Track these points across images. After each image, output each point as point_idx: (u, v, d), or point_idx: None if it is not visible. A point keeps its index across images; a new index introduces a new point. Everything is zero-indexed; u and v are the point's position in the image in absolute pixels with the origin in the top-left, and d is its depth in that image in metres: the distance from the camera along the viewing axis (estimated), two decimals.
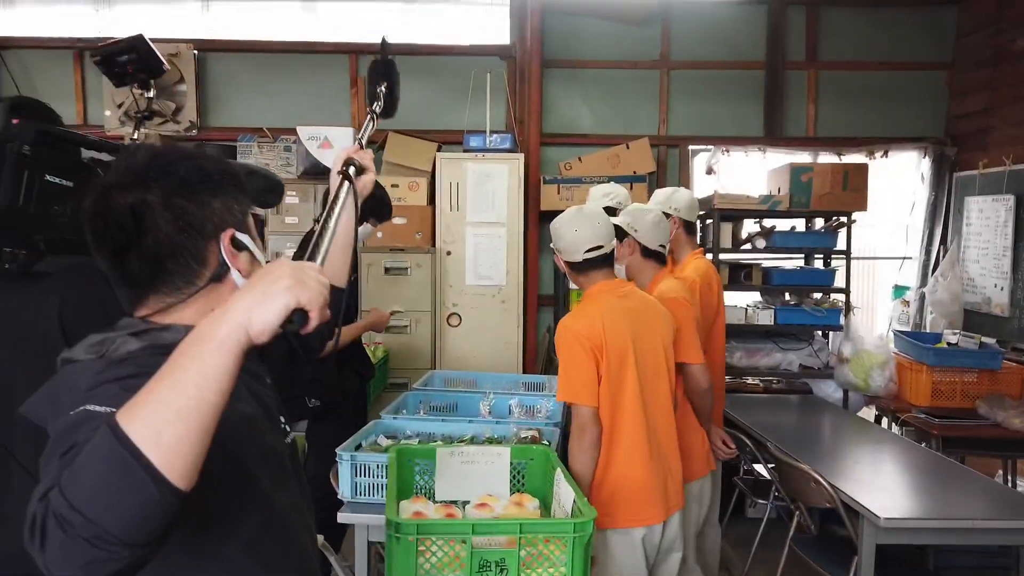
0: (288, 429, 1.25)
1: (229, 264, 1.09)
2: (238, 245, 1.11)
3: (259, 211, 2.01)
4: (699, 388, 2.71)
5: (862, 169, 4.65)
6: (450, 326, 4.67)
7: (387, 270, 4.54)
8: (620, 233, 2.76)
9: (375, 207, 3.22)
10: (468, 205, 4.60)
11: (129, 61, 1.68)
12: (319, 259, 1.05)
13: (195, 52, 4.90)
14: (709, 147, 5.22)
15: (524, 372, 4.72)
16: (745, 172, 5.28)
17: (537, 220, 4.92)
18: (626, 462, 2.40)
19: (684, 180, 5.21)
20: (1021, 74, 4.57)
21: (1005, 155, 4.57)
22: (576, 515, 1.91)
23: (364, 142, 1.52)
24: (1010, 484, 3.96)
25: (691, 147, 5.24)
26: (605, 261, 2.47)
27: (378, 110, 1.71)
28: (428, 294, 4.58)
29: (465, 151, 4.67)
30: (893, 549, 2.96)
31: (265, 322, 0.83)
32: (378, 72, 1.85)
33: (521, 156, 4.66)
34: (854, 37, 5.24)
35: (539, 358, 5.06)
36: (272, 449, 1.15)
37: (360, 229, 3.03)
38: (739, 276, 4.73)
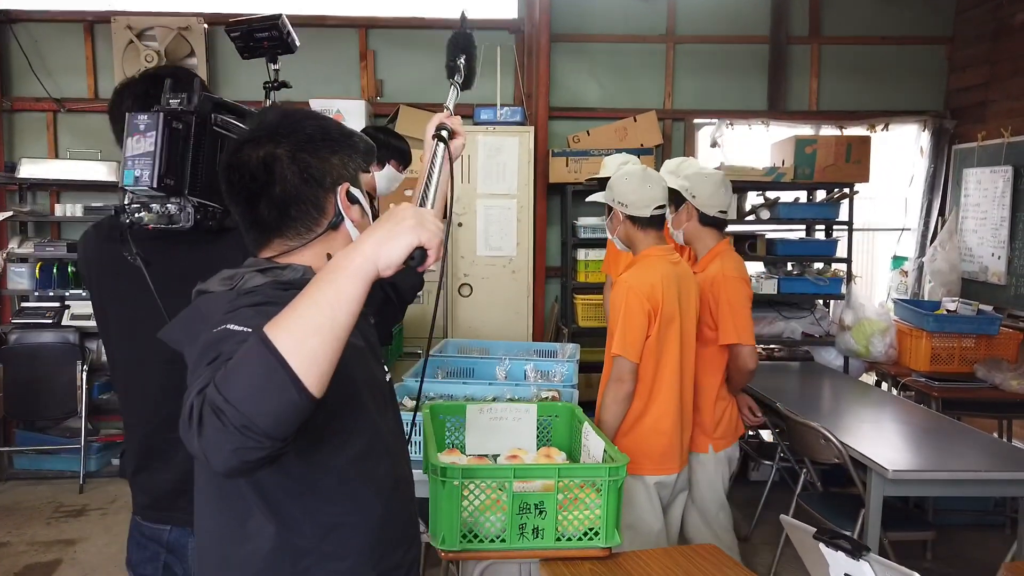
0: (386, 367, 1.37)
1: (344, 214, 1.22)
2: (351, 198, 1.24)
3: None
4: (746, 368, 2.81)
5: (865, 141, 4.75)
6: (462, 296, 4.76)
7: None
8: (675, 196, 2.85)
9: (395, 149, 3.12)
10: (479, 177, 4.67)
11: (267, 38, 1.79)
12: (429, 204, 1.20)
13: (205, 26, 4.93)
14: (714, 120, 5.29)
15: (534, 340, 4.83)
16: (749, 145, 5.37)
17: (545, 192, 5.00)
18: (659, 416, 2.55)
19: (689, 152, 5.29)
20: (1020, 48, 4.67)
21: (1003, 128, 4.68)
22: (608, 461, 2.02)
23: (452, 108, 1.64)
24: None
25: (696, 120, 5.32)
26: (662, 220, 2.66)
27: (459, 80, 1.77)
28: (438, 265, 4.66)
29: (475, 124, 4.73)
30: (895, 503, 3.10)
31: (391, 256, 0.97)
32: (457, 44, 1.87)
33: (531, 129, 4.72)
34: (856, 12, 5.31)
35: (547, 327, 5.17)
36: (377, 379, 1.28)
37: (384, 173, 3.08)
38: (743, 247, 4.83)
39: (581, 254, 4.90)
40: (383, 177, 3.07)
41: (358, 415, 1.19)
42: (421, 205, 1.20)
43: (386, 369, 1.36)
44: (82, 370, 4.71)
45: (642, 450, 2.54)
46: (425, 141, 1.61)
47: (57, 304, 4.80)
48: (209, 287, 1.17)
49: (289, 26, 1.81)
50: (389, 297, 1.69)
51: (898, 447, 3.08)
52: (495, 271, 4.76)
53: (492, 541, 1.93)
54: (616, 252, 4.05)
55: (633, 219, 2.63)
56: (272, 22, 1.79)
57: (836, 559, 1.16)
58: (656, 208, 2.61)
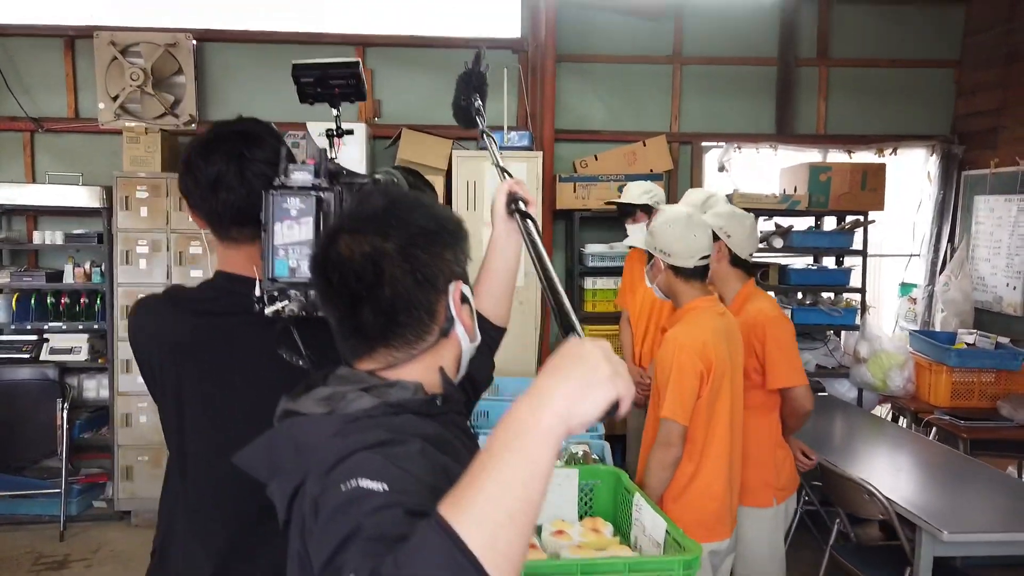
0: None
1: (456, 317, 1.06)
2: (463, 298, 1.07)
3: None
4: (803, 409, 2.68)
5: (880, 169, 4.66)
6: None
7: None
8: None
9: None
10: (486, 204, 4.48)
11: (342, 85, 1.61)
12: (577, 325, 0.92)
13: (194, 42, 4.68)
14: (721, 144, 5.17)
15: None
16: (756, 169, 5.25)
17: (551, 218, 4.83)
18: (711, 480, 2.39)
19: (696, 177, 5.16)
20: None
21: (1017, 154, 4.61)
22: (675, 548, 1.85)
23: (502, 165, 1.54)
24: None
25: (703, 143, 5.19)
26: (707, 270, 2.50)
27: (483, 126, 1.75)
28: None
29: (481, 149, 4.55)
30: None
31: (587, 415, 0.77)
32: (470, 84, 1.85)
33: (540, 154, 4.55)
34: (864, 34, 5.22)
35: None
36: None
37: None
38: (756, 276, 4.70)
39: (588, 283, 4.74)
40: None
41: None
42: (554, 293, 0.98)
43: None
44: (63, 408, 4.43)
45: (694, 517, 2.38)
46: (496, 215, 1.47)
47: (35, 338, 4.51)
48: (301, 407, 0.99)
49: (363, 73, 1.64)
50: (465, 390, 1.47)
51: (942, 500, 2.96)
52: None
53: None
54: (631, 284, 3.90)
55: (676, 270, 2.47)
56: (352, 69, 1.61)
57: None
58: (701, 258, 2.46)
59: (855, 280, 4.74)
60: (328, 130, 1.69)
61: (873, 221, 4.71)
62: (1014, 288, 4.57)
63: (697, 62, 5.14)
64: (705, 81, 5.17)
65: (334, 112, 1.68)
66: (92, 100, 4.66)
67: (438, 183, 4.54)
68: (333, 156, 1.75)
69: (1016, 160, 4.59)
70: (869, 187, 4.57)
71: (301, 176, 1.33)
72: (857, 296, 4.74)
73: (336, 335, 1.06)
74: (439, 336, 1.05)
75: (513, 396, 3.30)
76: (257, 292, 1.31)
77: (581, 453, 2.84)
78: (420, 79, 4.94)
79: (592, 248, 4.75)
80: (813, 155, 5.24)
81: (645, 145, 4.85)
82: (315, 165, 1.35)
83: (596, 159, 4.83)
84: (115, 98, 4.57)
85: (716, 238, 2.74)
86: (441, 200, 4.53)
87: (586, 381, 0.77)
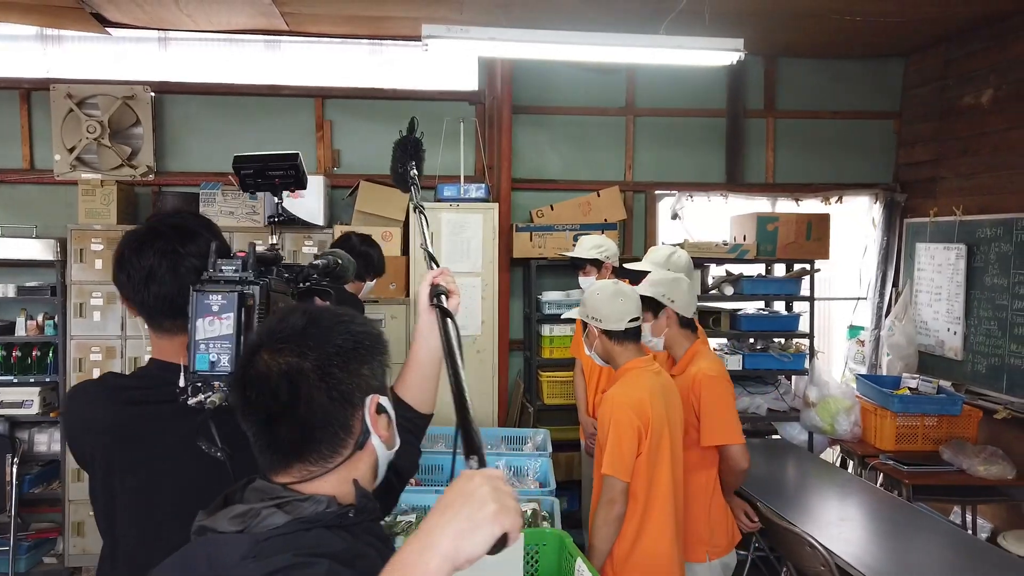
0: None
1: (371, 430, 1.09)
2: (380, 408, 1.11)
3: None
4: (738, 468, 2.76)
5: (824, 219, 4.83)
6: None
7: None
8: (652, 304, 2.81)
9: (373, 264, 3.44)
10: (443, 255, 4.54)
11: (281, 176, 1.68)
12: (471, 410, 0.99)
13: (152, 94, 4.71)
14: (674, 192, 5.32)
15: (499, 423, 4.69)
16: (708, 216, 5.40)
17: (508, 266, 4.91)
18: (656, 538, 2.46)
19: (651, 225, 5.29)
20: (967, 129, 4.83)
21: (954, 204, 4.81)
22: None
23: (431, 250, 1.62)
24: (970, 528, 4.15)
25: (656, 192, 5.33)
26: (638, 332, 2.63)
27: (417, 198, 1.82)
28: (403, 346, 4.50)
29: (438, 200, 4.63)
30: None
31: (473, 552, 0.81)
32: (406, 151, 1.91)
33: (496, 206, 4.64)
34: (809, 87, 5.43)
35: (512, 404, 5.04)
36: None
37: (365, 286, 3.42)
38: (707, 322, 4.82)
39: (546, 330, 4.81)
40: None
41: None
42: (461, 410, 1.01)
43: None
44: (12, 463, 4.36)
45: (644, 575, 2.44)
46: (419, 305, 1.52)
47: None
48: (215, 524, 1.02)
49: (303, 164, 1.71)
50: (391, 484, 1.50)
51: (884, 551, 3.03)
52: None
53: None
54: (579, 336, 3.98)
55: (609, 333, 2.58)
56: (291, 161, 1.68)
57: None
58: (630, 321, 2.57)
59: (804, 325, 4.88)
60: (270, 217, 1.77)
61: (819, 269, 4.86)
62: (954, 333, 4.73)
63: (649, 113, 5.30)
64: (658, 132, 5.32)
65: (277, 201, 1.74)
66: (48, 152, 4.65)
67: (396, 233, 4.60)
68: (275, 242, 1.81)
69: (953, 210, 4.79)
70: (814, 237, 4.73)
71: (227, 270, 1.37)
72: (806, 341, 4.87)
73: (253, 448, 1.09)
74: (354, 449, 1.09)
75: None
76: (181, 383, 1.34)
77: (531, 512, 2.88)
78: (379, 130, 5.02)
79: (549, 296, 4.83)
80: (762, 203, 5.41)
81: (599, 195, 4.97)
82: (243, 259, 1.39)
83: (552, 209, 4.93)
84: (71, 150, 4.57)
85: (662, 306, 2.85)
86: (399, 251, 4.59)
87: (472, 521, 0.82)
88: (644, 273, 3.04)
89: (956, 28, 4.73)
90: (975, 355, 4.61)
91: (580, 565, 2.20)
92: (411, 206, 1.71)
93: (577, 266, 3.85)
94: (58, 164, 4.58)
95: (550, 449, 3.65)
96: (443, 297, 1.45)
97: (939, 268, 4.89)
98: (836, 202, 5.41)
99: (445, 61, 5.08)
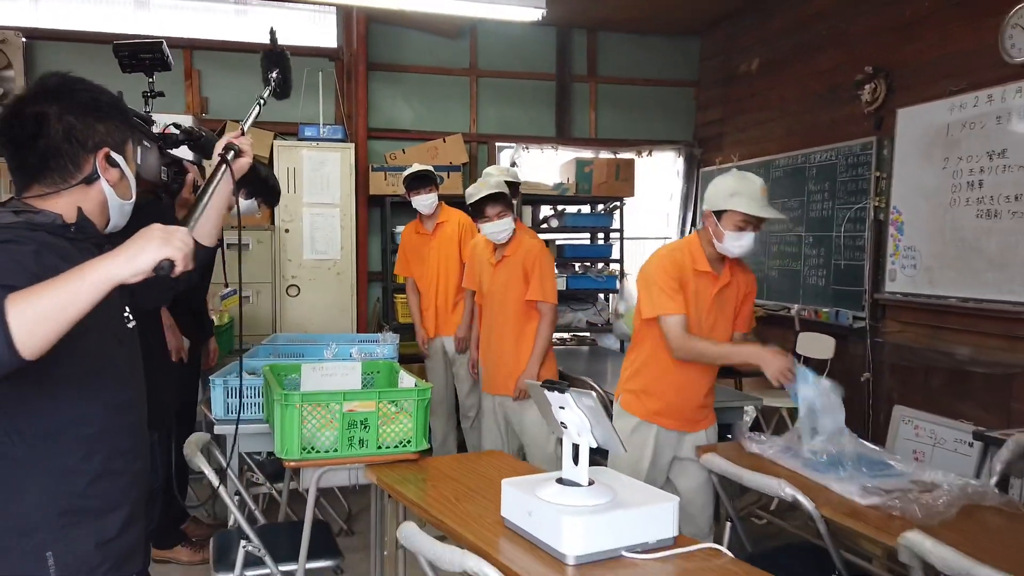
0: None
1: (100, 174, 1.42)
2: (111, 162, 1.43)
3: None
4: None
5: (630, 163, 5.80)
6: (289, 296, 5.21)
7: (229, 246, 4.97)
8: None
9: (263, 191, 3.56)
10: (304, 188, 5.17)
11: (150, 58, 2.24)
12: (190, 225, 1.55)
13: (24, 39, 5.04)
14: (512, 144, 6.16)
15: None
16: (542, 165, 6.28)
17: (367, 203, 5.58)
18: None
19: None
20: (742, 92, 5.94)
21: (735, 154, 5.91)
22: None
23: (247, 128, 1.82)
24: None
25: (498, 144, 6.16)
26: None
27: (265, 95, 2.00)
28: (268, 267, 5.09)
29: (300, 140, 5.24)
30: None
31: (138, 267, 1.17)
32: (271, 60, 2.12)
33: (352, 146, 5.31)
34: (625, 57, 6.42)
35: (370, 325, 5.72)
36: (111, 328, 1.48)
37: (245, 204, 3.49)
38: None
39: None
40: (246, 204, 3.45)
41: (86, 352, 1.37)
42: (183, 222, 1.40)
43: (129, 317, 1.57)
44: None
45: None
46: (214, 157, 1.73)
47: None
48: None
49: (168, 50, 2.31)
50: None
51: None
52: (321, 273, 5.26)
53: (327, 452, 2.48)
54: (406, 258, 4.67)
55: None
56: (156, 46, 2.29)
57: (553, 397, 1.84)
58: None
59: (616, 254, 5.84)
60: (144, 92, 2.37)
61: (625, 205, 5.84)
62: None
63: (490, 75, 6.12)
64: (498, 91, 6.15)
65: (149, 79, 2.36)
66: None
67: None
68: (148, 111, 2.43)
69: (732, 158, 5.90)
70: (622, 177, 5.69)
71: None
72: (618, 266, 5.84)
73: (9, 170, 1.43)
74: (81, 182, 1.39)
75: (334, 344, 3.96)
76: None
77: None
78: (245, 80, 5.55)
79: (401, 229, 5.53)
80: (587, 155, 6.35)
81: (445, 141, 5.73)
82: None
83: (404, 152, 5.64)
84: None
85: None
86: None
87: (139, 247, 1.17)
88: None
89: (736, 7, 5.81)
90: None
91: (402, 374, 2.93)
92: (258, 97, 1.98)
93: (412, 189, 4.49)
94: None
95: (398, 342, 4.35)
96: (233, 153, 1.71)
97: None
98: (647, 155, 6.43)
99: (307, 20, 5.68)
